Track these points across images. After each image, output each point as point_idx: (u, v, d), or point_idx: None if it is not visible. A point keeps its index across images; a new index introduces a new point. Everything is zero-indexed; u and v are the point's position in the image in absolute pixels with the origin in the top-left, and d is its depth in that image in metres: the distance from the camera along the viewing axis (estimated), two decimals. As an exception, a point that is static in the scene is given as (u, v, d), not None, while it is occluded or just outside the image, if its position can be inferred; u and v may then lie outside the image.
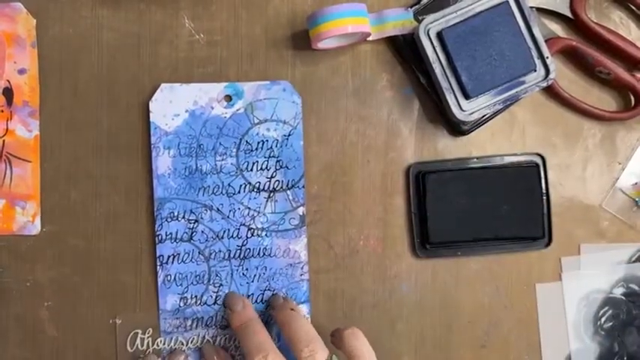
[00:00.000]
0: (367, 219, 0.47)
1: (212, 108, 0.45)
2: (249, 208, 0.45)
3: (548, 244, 0.47)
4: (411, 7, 0.45)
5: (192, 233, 0.45)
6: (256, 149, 0.45)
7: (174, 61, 0.46)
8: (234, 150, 0.45)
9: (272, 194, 0.46)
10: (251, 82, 0.45)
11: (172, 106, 0.45)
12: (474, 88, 0.43)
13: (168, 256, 0.45)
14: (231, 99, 0.45)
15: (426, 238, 0.46)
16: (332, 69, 0.47)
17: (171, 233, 0.45)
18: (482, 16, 0.43)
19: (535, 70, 0.44)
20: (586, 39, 0.47)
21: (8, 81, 0.45)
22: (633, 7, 0.48)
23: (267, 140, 0.45)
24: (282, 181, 0.46)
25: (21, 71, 0.45)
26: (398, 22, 0.44)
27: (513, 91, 0.44)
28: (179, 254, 0.45)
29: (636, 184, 0.49)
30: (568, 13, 0.47)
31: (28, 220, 0.45)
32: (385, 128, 0.47)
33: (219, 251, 0.45)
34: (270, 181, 0.46)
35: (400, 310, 0.47)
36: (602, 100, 0.49)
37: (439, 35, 0.43)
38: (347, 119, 0.47)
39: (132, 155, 0.45)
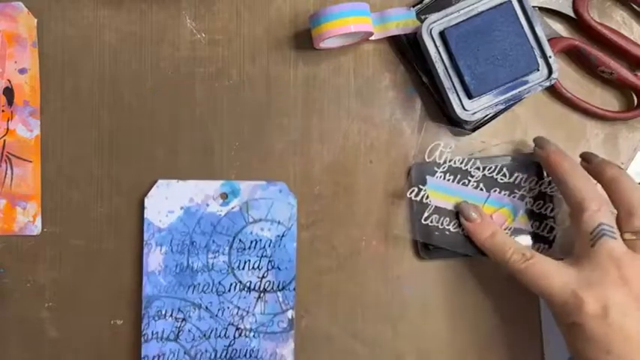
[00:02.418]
0: (369, 219, 0.47)
1: (207, 205, 0.45)
2: (238, 308, 0.45)
3: (551, 244, 0.47)
4: (414, 6, 0.45)
5: (178, 332, 0.44)
6: (249, 248, 0.45)
7: (176, 60, 0.46)
8: (227, 248, 0.45)
9: (262, 294, 0.45)
10: (247, 181, 0.45)
11: (168, 202, 0.45)
12: (477, 88, 0.43)
13: (153, 357, 0.44)
14: (227, 197, 0.45)
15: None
16: (334, 69, 0.46)
17: (157, 332, 0.44)
18: (485, 16, 0.43)
19: (538, 70, 0.44)
20: (588, 38, 0.47)
21: (9, 81, 0.45)
22: (636, 7, 0.48)
23: (260, 240, 0.45)
24: (273, 282, 0.45)
25: (22, 71, 0.45)
26: (400, 21, 0.44)
27: (516, 91, 0.44)
28: (164, 354, 0.44)
29: (639, 184, 0.48)
30: (570, 13, 0.47)
31: (28, 220, 0.45)
32: (388, 128, 0.47)
33: (206, 351, 0.45)
34: (261, 281, 0.45)
35: (402, 311, 0.47)
36: (604, 100, 0.49)
37: (442, 34, 0.43)
38: (349, 119, 0.47)
39: (133, 155, 0.45)
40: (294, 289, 0.45)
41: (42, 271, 0.45)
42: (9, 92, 0.45)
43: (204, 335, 0.45)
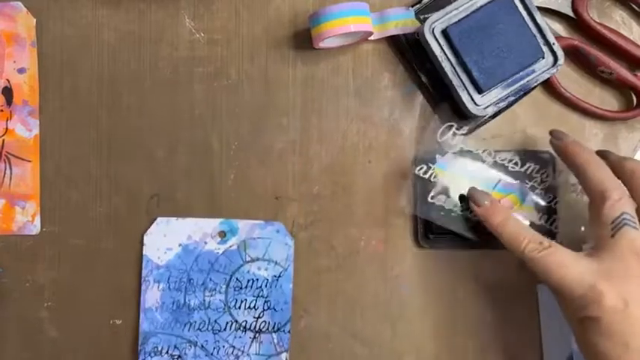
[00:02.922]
0: (368, 219, 0.47)
1: (205, 243, 0.45)
2: (233, 347, 0.45)
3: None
4: (413, 6, 0.45)
5: None
6: (246, 287, 0.45)
7: (175, 60, 0.46)
8: (224, 286, 0.45)
9: (258, 335, 0.45)
10: (245, 220, 0.45)
11: (166, 239, 0.45)
12: (486, 82, 0.43)
13: None
14: (225, 235, 0.45)
15: (429, 229, 0.46)
16: (333, 68, 0.46)
17: None
18: (485, 10, 0.43)
19: (543, 58, 0.44)
20: (588, 38, 0.47)
21: (8, 80, 0.45)
22: (635, 7, 0.48)
23: (257, 279, 0.45)
24: (269, 323, 0.45)
25: (21, 70, 0.45)
26: (400, 21, 0.44)
27: (524, 81, 0.44)
28: None
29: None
30: (570, 13, 0.47)
31: (27, 220, 0.45)
32: (386, 128, 0.47)
33: None
34: (256, 321, 0.45)
35: (401, 310, 0.47)
36: (604, 99, 0.48)
37: (444, 33, 0.43)
38: (348, 119, 0.47)
39: (132, 155, 0.45)
40: (289, 331, 0.45)
41: (41, 270, 0.45)
42: (8, 92, 0.45)
43: None
